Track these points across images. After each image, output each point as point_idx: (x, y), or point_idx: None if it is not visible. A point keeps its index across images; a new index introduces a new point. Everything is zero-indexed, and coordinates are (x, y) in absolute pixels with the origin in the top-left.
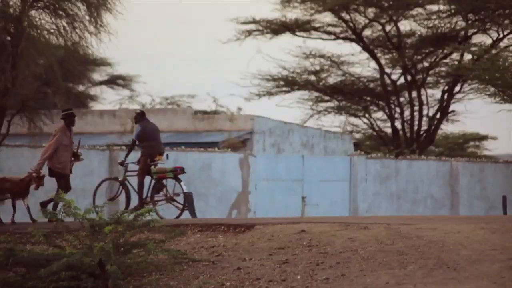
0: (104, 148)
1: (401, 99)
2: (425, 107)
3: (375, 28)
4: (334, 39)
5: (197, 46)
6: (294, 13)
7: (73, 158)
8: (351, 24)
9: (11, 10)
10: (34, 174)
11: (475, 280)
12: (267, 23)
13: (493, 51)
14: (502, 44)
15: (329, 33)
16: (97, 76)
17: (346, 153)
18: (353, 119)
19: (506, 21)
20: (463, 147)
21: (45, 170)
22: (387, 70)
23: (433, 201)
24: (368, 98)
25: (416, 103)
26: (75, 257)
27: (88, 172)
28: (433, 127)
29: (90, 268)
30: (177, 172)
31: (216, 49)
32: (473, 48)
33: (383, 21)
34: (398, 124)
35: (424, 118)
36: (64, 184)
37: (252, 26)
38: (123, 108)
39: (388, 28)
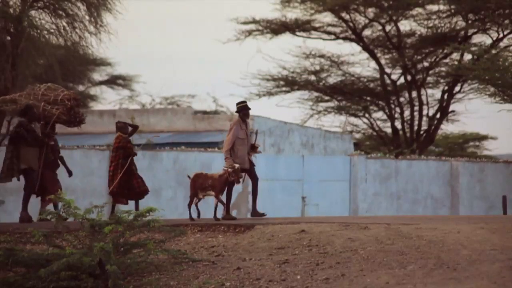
0: (104, 148)
1: (401, 99)
2: (425, 107)
3: (375, 28)
4: (334, 39)
5: (197, 46)
6: (294, 13)
7: (251, 151)
8: (351, 24)
9: (11, 10)
10: (228, 169)
11: (475, 280)
12: (267, 23)
13: (493, 51)
14: (502, 44)
15: (329, 33)
16: (97, 76)
17: (346, 153)
18: (353, 119)
19: (506, 21)
20: (463, 147)
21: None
22: (387, 70)
23: (433, 201)
24: (368, 98)
25: (416, 103)
26: (75, 257)
27: (88, 172)
28: (433, 127)
29: (90, 268)
30: None
31: (216, 49)
32: (473, 48)
33: (383, 21)
34: (398, 124)
35: (424, 118)
36: (251, 176)
37: (252, 26)
38: (123, 108)
39: (388, 28)
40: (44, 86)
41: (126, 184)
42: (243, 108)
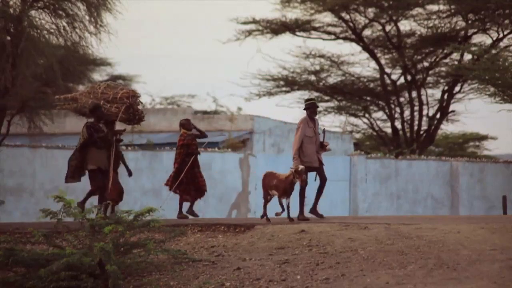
0: None
1: (401, 99)
2: (425, 107)
3: (375, 28)
4: (334, 39)
5: (197, 46)
6: (294, 13)
7: (320, 149)
8: (351, 24)
9: (11, 10)
10: (293, 169)
11: (475, 280)
12: (267, 23)
13: (493, 51)
14: (502, 44)
15: (329, 33)
16: (97, 76)
17: (346, 153)
18: (353, 119)
19: (506, 21)
20: (463, 147)
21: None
22: (387, 70)
23: (433, 201)
24: (368, 98)
25: (416, 103)
26: (75, 257)
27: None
28: (433, 127)
29: (90, 268)
30: None
31: (216, 49)
32: (473, 48)
33: (383, 21)
34: (398, 124)
35: (424, 118)
36: (320, 176)
37: (252, 26)
38: None
39: (388, 28)
40: (103, 84)
41: (191, 182)
42: (310, 106)
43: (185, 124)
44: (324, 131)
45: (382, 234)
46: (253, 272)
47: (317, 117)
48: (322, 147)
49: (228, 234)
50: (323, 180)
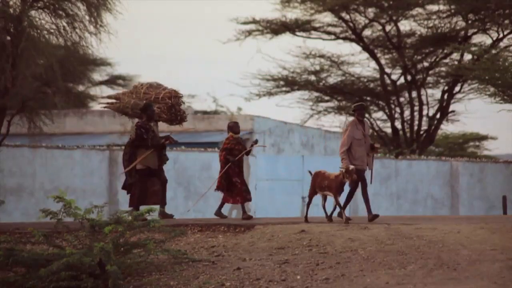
0: (104, 148)
1: (401, 99)
2: (425, 107)
3: (375, 28)
4: (334, 39)
5: (197, 46)
6: (294, 13)
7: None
8: (351, 24)
9: (11, 10)
10: (343, 169)
11: (475, 280)
12: (267, 23)
13: (493, 51)
14: (502, 44)
15: (329, 33)
16: (97, 76)
17: None
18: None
19: (506, 21)
20: (463, 147)
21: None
22: (387, 70)
23: (433, 201)
24: (368, 98)
25: (416, 103)
26: (75, 257)
27: (88, 172)
28: (433, 127)
29: (90, 268)
30: None
31: (216, 49)
32: (473, 48)
33: (383, 21)
34: (398, 124)
35: (424, 118)
36: (357, 181)
37: (252, 26)
38: None
39: (388, 28)
40: (146, 84)
41: (233, 187)
42: (358, 108)
43: (233, 127)
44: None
45: (382, 234)
46: (253, 272)
47: (365, 119)
48: (373, 149)
49: (228, 234)
50: (364, 183)
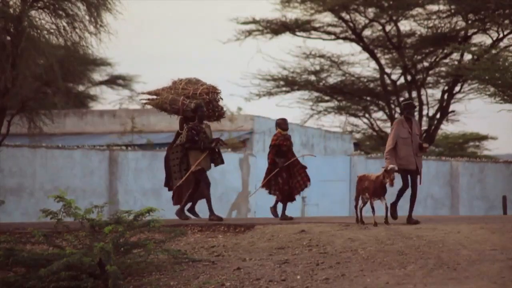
0: (104, 148)
1: (401, 99)
2: (425, 107)
3: (375, 28)
4: (334, 39)
5: (197, 46)
6: (294, 13)
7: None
8: (351, 24)
9: (11, 10)
10: (383, 169)
11: (475, 280)
12: (267, 23)
13: (493, 51)
14: (502, 44)
15: (329, 33)
16: (97, 76)
17: (346, 153)
18: (353, 119)
19: (506, 21)
20: (463, 147)
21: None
22: (387, 70)
23: (433, 201)
24: (368, 98)
25: (416, 103)
26: (75, 257)
27: (88, 172)
28: (433, 127)
29: (90, 268)
30: None
31: (216, 49)
32: (473, 48)
33: (383, 21)
34: None
35: (424, 118)
36: (404, 181)
37: (252, 26)
38: (123, 108)
39: (388, 28)
40: (185, 80)
41: (286, 182)
42: (408, 107)
43: (281, 124)
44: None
45: (382, 234)
46: (253, 272)
47: (415, 118)
48: (421, 148)
49: (228, 234)
50: (414, 186)
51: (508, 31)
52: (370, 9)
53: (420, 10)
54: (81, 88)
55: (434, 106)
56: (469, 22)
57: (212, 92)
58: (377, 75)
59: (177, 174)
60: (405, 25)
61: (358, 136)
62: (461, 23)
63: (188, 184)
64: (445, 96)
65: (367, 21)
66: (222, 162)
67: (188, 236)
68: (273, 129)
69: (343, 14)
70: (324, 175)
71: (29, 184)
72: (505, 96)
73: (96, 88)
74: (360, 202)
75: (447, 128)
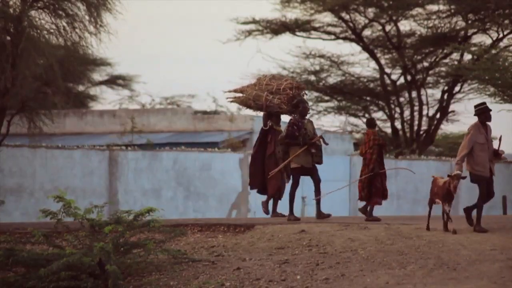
0: (104, 148)
1: (401, 99)
2: (425, 107)
3: (375, 28)
4: (334, 39)
5: (197, 46)
6: (294, 13)
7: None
8: (351, 24)
9: (11, 10)
10: (452, 174)
11: (475, 280)
12: (267, 23)
13: (493, 51)
14: (502, 44)
15: (329, 33)
16: (97, 76)
17: (346, 153)
18: (353, 119)
19: (506, 21)
20: None
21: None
22: (387, 70)
23: None
24: (368, 98)
25: (416, 103)
26: (75, 257)
27: (88, 172)
28: (433, 127)
29: (90, 268)
30: None
31: (216, 49)
32: (473, 48)
33: (383, 21)
34: (398, 124)
35: (424, 118)
36: (483, 189)
37: (252, 26)
38: (123, 108)
39: (388, 28)
40: (269, 75)
41: (382, 185)
42: (483, 111)
43: (370, 122)
44: (500, 138)
45: (382, 234)
46: (253, 272)
47: (489, 123)
48: (497, 155)
49: (228, 234)
50: (489, 196)
51: (508, 31)
52: (370, 9)
53: (420, 10)
54: (81, 88)
55: (434, 106)
56: (469, 22)
57: (296, 87)
58: (377, 75)
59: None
60: (405, 25)
61: (358, 136)
62: (461, 23)
63: (279, 177)
64: (445, 96)
65: (367, 21)
66: (319, 161)
67: (188, 236)
68: None
69: (343, 14)
70: (324, 175)
71: (29, 184)
72: (505, 96)
73: (96, 88)
74: (434, 207)
75: (447, 128)
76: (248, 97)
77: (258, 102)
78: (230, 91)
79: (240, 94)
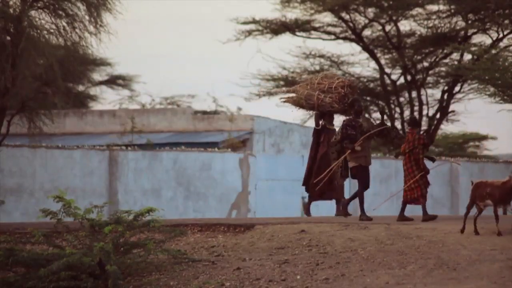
0: (104, 148)
1: (401, 99)
2: (425, 107)
3: (375, 28)
4: (334, 39)
5: (197, 46)
6: (294, 13)
7: None
8: (351, 24)
9: (11, 10)
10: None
11: (475, 280)
12: (267, 23)
13: (493, 51)
14: (502, 44)
15: (329, 33)
16: (97, 76)
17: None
18: None
19: (506, 21)
20: (463, 147)
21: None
22: (387, 70)
23: (433, 201)
24: (368, 98)
25: (416, 103)
26: (75, 257)
27: (88, 172)
28: (433, 127)
29: (90, 268)
30: None
31: (216, 49)
32: (473, 48)
33: (383, 21)
34: (398, 124)
35: (424, 118)
36: None
37: (252, 26)
38: (123, 108)
39: (388, 28)
40: (321, 74)
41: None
42: None
43: (412, 121)
44: None
45: (382, 234)
46: (253, 272)
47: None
48: None
49: (228, 234)
50: None
51: (508, 31)
52: (370, 9)
53: (420, 10)
54: (81, 88)
55: (434, 106)
56: (469, 22)
57: (348, 86)
58: (377, 75)
59: (337, 172)
60: (405, 25)
61: None
62: (461, 23)
63: (331, 178)
64: (445, 96)
65: (367, 21)
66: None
67: (188, 236)
68: (272, 129)
69: (343, 14)
70: None
71: (29, 184)
72: (505, 96)
73: (96, 88)
74: (473, 210)
75: (447, 128)
76: (300, 97)
77: (310, 101)
78: (283, 92)
79: (293, 94)
